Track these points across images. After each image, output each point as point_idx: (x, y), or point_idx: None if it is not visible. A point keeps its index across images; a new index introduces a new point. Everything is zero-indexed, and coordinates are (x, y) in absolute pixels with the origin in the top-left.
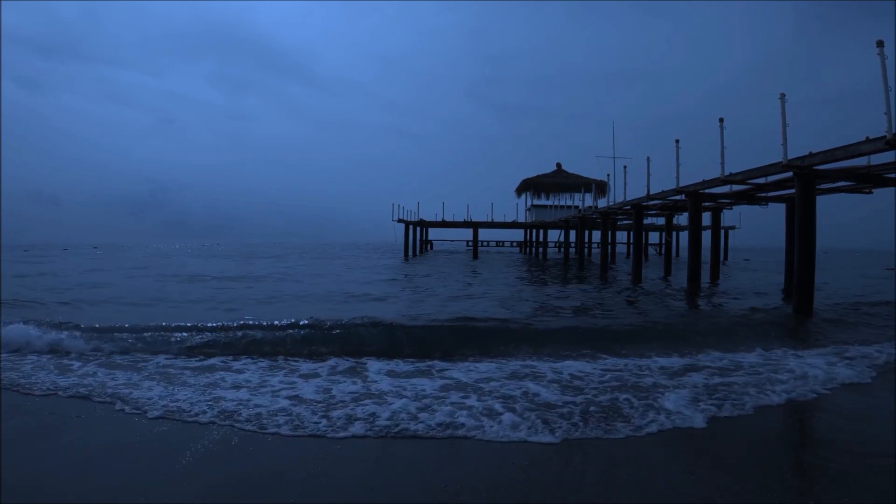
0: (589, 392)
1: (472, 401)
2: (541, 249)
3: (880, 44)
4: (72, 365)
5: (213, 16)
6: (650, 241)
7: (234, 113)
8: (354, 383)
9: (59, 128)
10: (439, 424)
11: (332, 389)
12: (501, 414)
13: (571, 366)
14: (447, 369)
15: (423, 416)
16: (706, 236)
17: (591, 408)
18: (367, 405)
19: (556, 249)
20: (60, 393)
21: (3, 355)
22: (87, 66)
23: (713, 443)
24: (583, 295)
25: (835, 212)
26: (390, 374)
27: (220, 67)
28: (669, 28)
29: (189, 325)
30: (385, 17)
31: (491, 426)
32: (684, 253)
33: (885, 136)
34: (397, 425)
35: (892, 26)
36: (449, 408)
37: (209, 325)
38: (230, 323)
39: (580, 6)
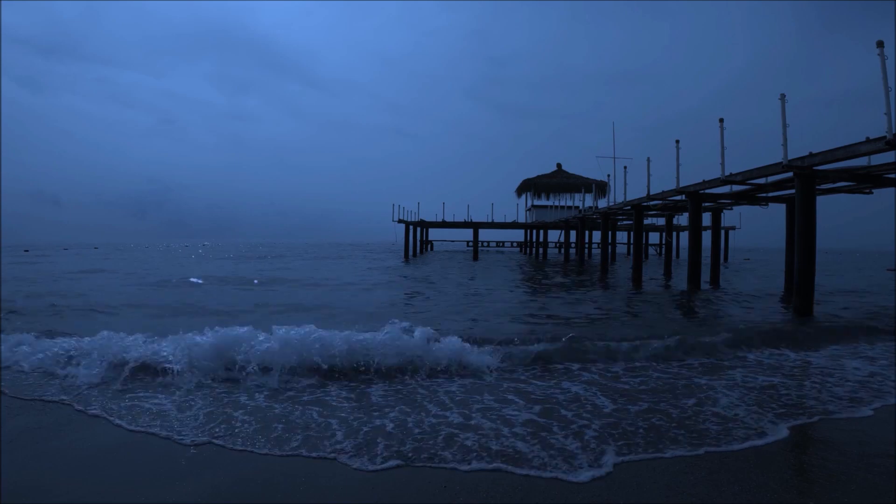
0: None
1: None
2: (541, 250)
3: (880, 44)
4: None
5: (214, 16)
6: (650, 242)
7: (234, 113)
8: None
9: (60, 128)
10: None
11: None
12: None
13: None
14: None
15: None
16: (706, 236)
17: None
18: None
19: (557, 250)
20: None
21: None
22: (87, 66)
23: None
24: (587, 302)
25: (835, 212)
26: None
27: (221, 68)
28: (670, 29)
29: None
30: (386, 18)
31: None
32: (684, 253)
33: (885, 137)
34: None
35: (892, 26)
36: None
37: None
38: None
39: (581, 7)
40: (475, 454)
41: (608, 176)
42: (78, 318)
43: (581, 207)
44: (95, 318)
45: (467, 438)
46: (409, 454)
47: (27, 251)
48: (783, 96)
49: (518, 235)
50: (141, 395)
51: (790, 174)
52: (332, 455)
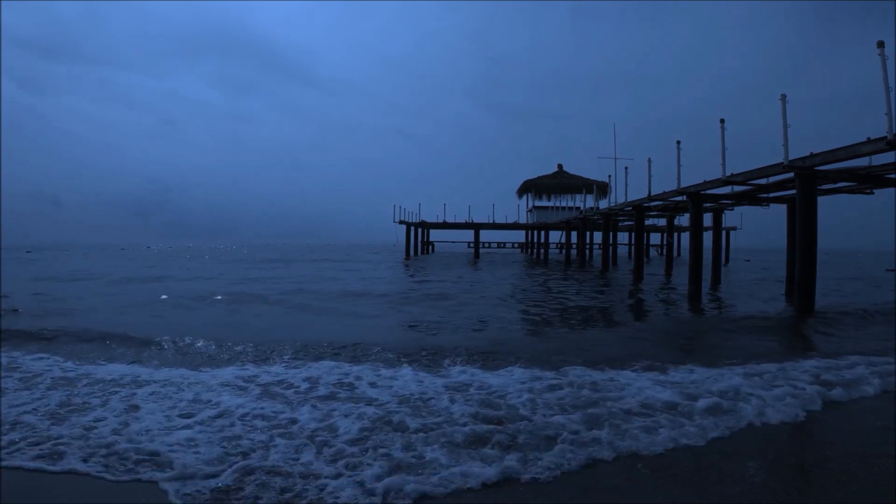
0: None
1: None
2: (542, 251)
3: (881, 44)
4: None
5: (214, 17)
6: (651, 242)
7: (235, 114)
8: None
9: (60, 129)
10: None
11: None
12: None
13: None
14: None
15: None
16: (707, 237)
17: None
18: None
19: (558, 251)
20: None
21: None
22: (88, 67)
23: None
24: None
25: (835, 212)
26: None
27: (221, 69)
28: (671, 30)
29: None
30: (386, 18)
31: None
32: (685, 254)
33: (885, 137)
34: None
35: (892, 26)
36: None
37: None
38: None
39: (582, 7)
40: None
41: (609, 176)
42: None
43: (582, 208)
44: None
45: None
46: None
47: (29, 252)
48: (783, 96)
49: (519, 236)
50: None
51: (791, 174)
52: None
